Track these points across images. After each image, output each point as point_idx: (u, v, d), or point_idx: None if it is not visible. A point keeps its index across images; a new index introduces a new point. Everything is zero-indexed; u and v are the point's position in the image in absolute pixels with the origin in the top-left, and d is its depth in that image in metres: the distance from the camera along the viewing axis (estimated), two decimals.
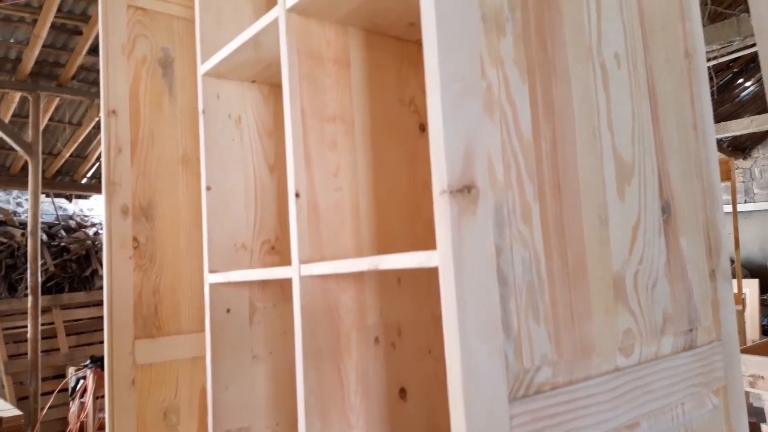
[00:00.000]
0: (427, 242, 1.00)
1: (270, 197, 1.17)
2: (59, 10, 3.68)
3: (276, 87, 1.20)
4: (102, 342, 5.68)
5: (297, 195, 0.84)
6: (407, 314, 0.93)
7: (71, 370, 3.36)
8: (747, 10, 5.74)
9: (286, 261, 1.17)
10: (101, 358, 3.18)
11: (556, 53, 0.72)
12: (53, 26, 3.84)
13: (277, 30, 0.93)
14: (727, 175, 4.84)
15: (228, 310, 1.08)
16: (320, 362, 0.84)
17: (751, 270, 8.09)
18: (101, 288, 5.90)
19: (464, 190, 0.60)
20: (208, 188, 1.09)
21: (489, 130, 0.64)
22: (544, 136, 0.69)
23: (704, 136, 0.95)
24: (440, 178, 0.59)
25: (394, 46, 1.00)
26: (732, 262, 8.00)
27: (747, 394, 2.28)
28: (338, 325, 0.86)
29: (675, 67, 0.91)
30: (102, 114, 1.58)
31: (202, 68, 1.10)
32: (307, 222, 0.84)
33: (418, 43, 1.03)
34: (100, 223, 6.73)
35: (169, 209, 1.66)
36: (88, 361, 3.24)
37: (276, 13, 0.89)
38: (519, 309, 0.62)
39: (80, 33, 3.99)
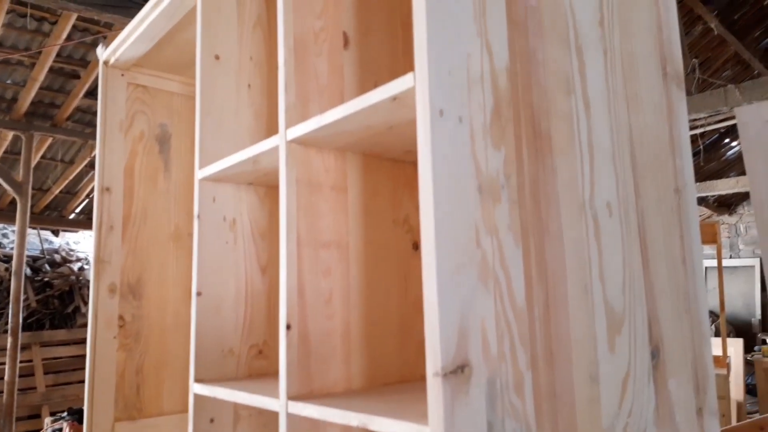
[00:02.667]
0: (418, 364, 1.00)
1: (260, 300, 1.16)
2: (58, 54, 3.71)
3: (272, 188, 1.21)
4: (81, 382, 5.56)
5: (288, 327, 0.84)
6: None
7: (47, 420, 3.27)
8: (734, 81, 5.90)
9: (273, 366, 1.16)
10: (79, 411, 3.10)
11: (550, 213, 0.74)
12: (51, 69, 3.87)
13: (277, 154, 0.94)
14: (713, 237, 4.90)
15: (212, 420, 1.06)
16: None
17: (735, 326, 8.12)
18: (83, 325, 5.80)
19: (458, 371, 0.60)
20: (199, 294, 1.08)
21: (483, 300, 0.64)
22: (536, 300, 0.70)
23: (693, 270, 0.96)
24: (434, 359, 0.59)
25: (390, 167, 1.01)
26: (716, 316, 8.03)
27: None
28: None
29: (665, 206, 0.93)
30: (96, 191, 1.58)
31: (200, 173, 1.11)
32: (297, 355, 0.84)
33: (413, 164, 1.05)
34: (86, 258, 6.65)
35: (158, 285, 1.65)
36: (65, 414, 3.16)
37: (277, 141, 0.90)
38: None
39: (78, 77, 4.01)
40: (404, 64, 1.07)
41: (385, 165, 1.01)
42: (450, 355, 0.59)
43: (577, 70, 0.82)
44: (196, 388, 1.04)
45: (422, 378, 1.00)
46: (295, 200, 0.87)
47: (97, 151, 1.59)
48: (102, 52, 1.61)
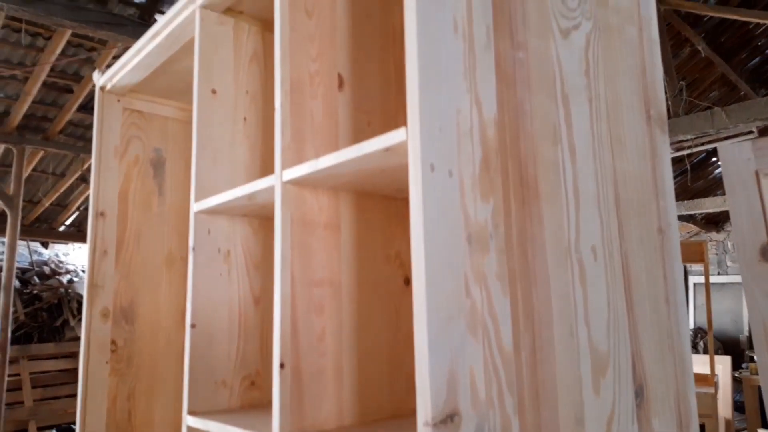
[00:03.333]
0: (408, 399, 1.02)
1: (253, 330, 1.18)
2: (52, 69, 3.72)
3: (265, 220, 1.23)
4: (69, 396, 5.51)
5: (282, 366, 0.86)
6: None
7: None
8: (721, 102, 5.99)
9: (266, 396, 1.17)
10: (68, 428, 3.08)
11: (537, 260, 0.76)
12: (44, 84, 3.87)
13: (272, 191, 0.96)
14: (701, 256, 4.96)
15: None
16: None
17: (723, 342, 8.18)
18: (72, 339, 5.76)
19: (447, 420, 0.62)
20: (193, 326, 1.10)
21: (472, 349, 0.66)
22: (524, 346, 0.72)
23: (676, 308, 0.99)
24: (424, 410, 0.61)
25: (382, 204, 1.04)
26: (704, 333, 8.09)
27: None
28: None
29: (649, 246, 0.96)
30: (90, 216, 1.59)
31: (196, 206, 1.13)
32: (290, 392, 0.86)
33: (405, 200, 1.07)
34: (75, 270, 6.61)
35: (150, 310, 1.66)
36: (54, 431, 3.13)
37: (272, 181, 0.92)
38: None
39: (71, 91, 4.02)
40: (397, 103, 1.10)
41: (377, 202, 1.04)
42: (440, 405, 0.61)
43: (563, 119, 0.85)
44: (190, 421, 1.05)
45: (412, 413, 1.01)
46: (290, 239, 0.90)
47: (92, 176, 1.60)
48: (98, 78, 1.62)
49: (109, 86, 1.60)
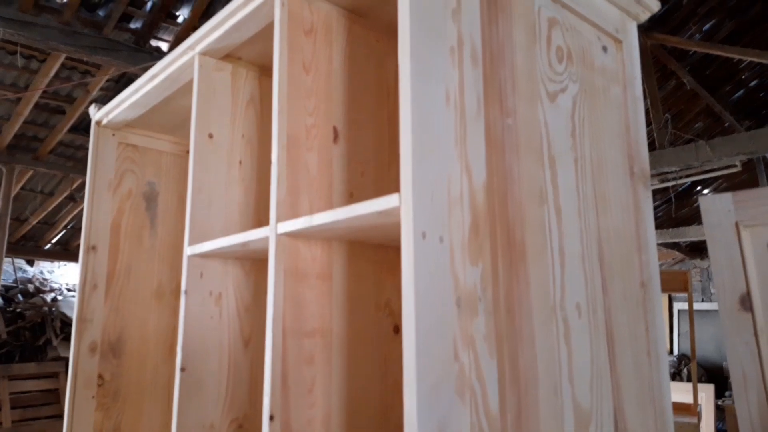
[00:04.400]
0: None
1: (242, 373, 1.19)
2: (44, 91, 3.73)
3: (258, 262, 1.25)
4: (49, 417, 5.42)
5: (271, 418, 0.87)
6: None
7: None
8: (705, 133, 6.12)
9: None
10: None
11: (523, 320, 0.79)
12: (36, 104, 3.88)
13: (267, 242, 0.98)
14: (684, 285, 5.02)
15: None
16: None
17: (707, 369, 8.23)
18: (54, 359, 5.68)
19: None
20: (183, 369, 1.11)
21: (460, 412, 0.68)
22: (509, 406, 0.74)
23: (657, 361, 1.01)
24: None
25: (373, 252, 1.06)
26: (688, 360, 8.14)
27: None
28: None
29: (631, 301, 0.99)
30: (81, 250, 1.60)
31: (189, 249, 1.14)
32: None
33: (396, 249, 1.10)
34: (60, 289, 6.55)
35: (138, 343, 1.66)
36: None
37: (267, 232, 0.94)
38: None
39: (63, 113, 4.03)
40: (389, 154, 1.13)
41: (368, 250, 1.06)
42: None
43: (550, 180, 0.88)
44: None
45: None
46: (282, 291, 0.91)
47: (85, 210, 1.61)
48: (95, 113, 1.64)
49: (105, 121, 1.62)
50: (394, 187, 1.13)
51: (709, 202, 1.31)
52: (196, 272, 1.15)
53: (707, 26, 4.98)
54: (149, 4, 3.30)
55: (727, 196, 1.26)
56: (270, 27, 1.13)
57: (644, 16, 1.15)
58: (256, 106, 1.31)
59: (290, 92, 0.98)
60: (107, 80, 3.69)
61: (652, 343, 1.01)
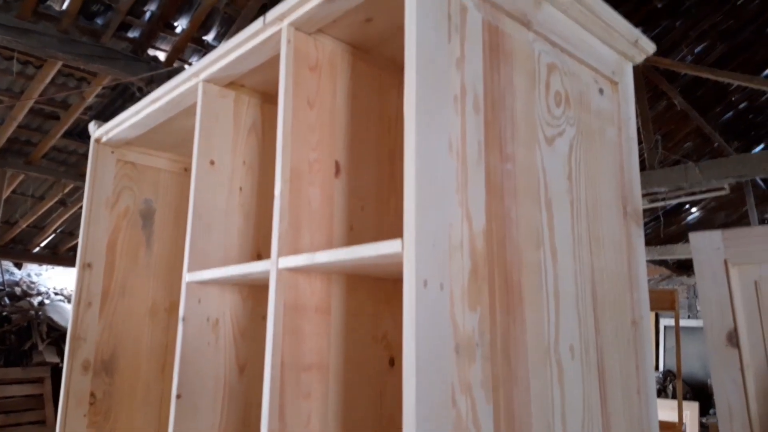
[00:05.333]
0: None
1: (237, 399, 1.20)
2: (40, 95, 3.72)
3: (254, 288, 1.26)
4: (32, 423, 5.36)
5: None
6: None
7: None
8: (695, 152, 6.20)
9: None
10: None
11: (519, 364, 0.81)
12: (31, 109, 3.87)
13: (267, 273, 0.99)
14: (671, 304, 5.08)
15: None
16: None
17: (692, 386, 8.29)
18: (39, 364, 5.63)
19: None
20: (179, 396, 1.11)
21: None
22: None
23: (647, 399, 1.04)
24: None
25: (372, 284, 1.08)
26: (674, 376, 8.20)
27: None
28: None
29: (622, 339, 1.01)
30: (77, 267, 1.60)
31: (188, 276, 1.15)
32: None
33: (395, 281, 1.11)
34: (47, 292, 6.50)
35: (131, 361, 1.66)
36: None
37: (268, 266, 0.96)
38: None
39: (57, 118, 4.02)
40: (389, 188, 1.15)
41: (367, 283, 1.08)
42: None
43: (546, 222, 0.91)
44: None
45: None
46: (282, 324, 0.93)
47: (81, 227, 1.61)
48: (94, 130, 1.65)
49: (104, 139, 1.63)
50: (393, 221, 1.15)
51: (699, 239, 1.34)
52: (195, 298, 1.16)
53: (699, 49, 5.06)
54: (148, 14, 3.31)
55: (716, 234, 1.29)
56: (274, 58, 1.15)
57: (640, 58, 1.18)
58: (258, 132, 1.33)
59: (294, 127, 1.00)
60: (104, 88, 3.69)
61: (642, 382, 1.03)
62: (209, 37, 3.52)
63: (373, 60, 1.16)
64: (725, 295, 1.28)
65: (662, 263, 8.23)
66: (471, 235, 0.78)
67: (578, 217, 0.97)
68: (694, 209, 7.35)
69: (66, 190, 4.91)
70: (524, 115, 0.91)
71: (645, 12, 4.33)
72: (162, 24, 3.30)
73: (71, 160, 4.60)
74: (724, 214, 7.80)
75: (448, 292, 0.73)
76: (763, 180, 6.06)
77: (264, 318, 1.26)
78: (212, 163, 1.23)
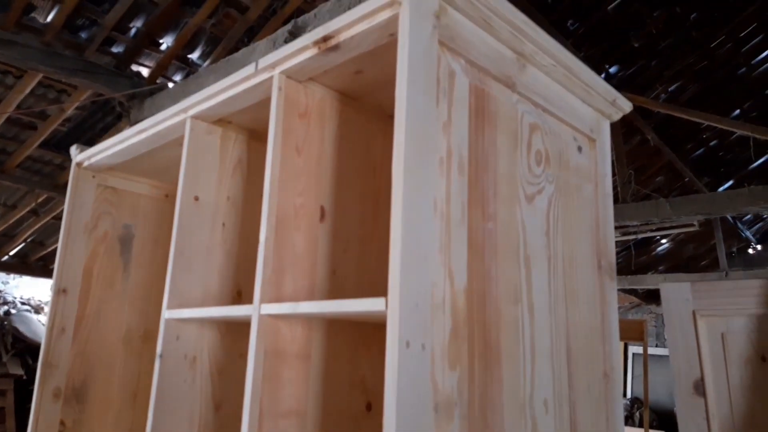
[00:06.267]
0: None
1: None
2: (18, 107, 3.67)
3: (234, 325, 1.26)
4: None
5: None
6: None
7: None
8: (666, 186, 6.36)
9: None
10: None
11: (495, 421, 0.83)
12: (8, 119, 3.81)
13: (248, 317, 1.00)
14: (640, 335, 5.17)
15: None
16: None
17: (659, 414, 8.40)
18: (2, 376, 5.46)
19: None
20: None
21: None
22: None
23: None
24: None
25: (351, 329, 1.09)
26: (641, 403, 8.31)
27: None
28: None
29: (594, 392, 1.04)
30: (52, 292, 1.58)
31: (168, 313, 1.15)
32: None
33: (374, 326, 1.13)
34: (13, 302, 6.34)
35: (102, 388, 1.64)
36: None
37: (250, 311, 0.97)
38: None
39: (35, 128, 3.96)
40: (372, 230, 1.17)
41: (347, 327, 1.09)
42: None
43: (525, 279, 0.94)
44: None
45: None
46: (262, 371, 0.94)
47: (58, 252, 1.60)
48: (76, 154, 1.64)
49: (86, 164, 1.62)
50: (376, 264, 1.17)
51: (669, 290, 1.39)
52: (173, 335, 1.16)
53: (673, 88, 5.22)
54: (133, 30, 3.30)
55: (686, 286, 1.34)
56: (264, 99, 1.16)
57: (617, 116, 1.23)
58: (243, 168, 1.34)
59: (282, 173, 1.01)
60: (84, 99, 3.66)
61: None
62: (194, 56, 3.53)
63: (361, 107, 1.18)
64: (693, 345, 1.33)
65: (632, 292, 8.38)
66: (453, 294, 0.80)
67: (555, 273, 1.00)
68: (663, 240, 7.51)
69: (39, 200, 4.82)
70: (506, 175, 0.94)
71: (622, 51, 4.47)
72: (147, 41, 3.30)
73: (46, 170, 4.53)
74: (693, 247, 7.99)
75: (429, 352, 0.75)
76: (732, 215, 6.23)
77: (241, 356, 1.26)
78: (196, 199, 1.24)
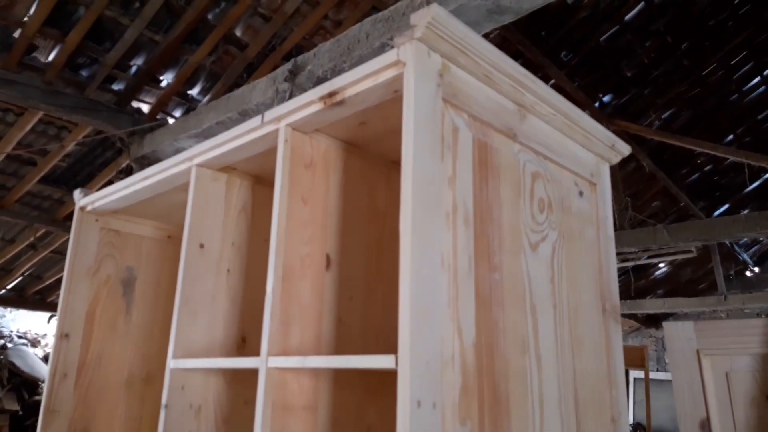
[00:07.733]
0: None
1: None
2: (18, 143, 3.69)
3: (239, 373, 1.26)
4: None
5: None
6: None
7: None
8: (662, 212, 6.39)
9: None
10: None
11: None
12: (7, 155, 3.82)
13: (254, 369, 1.00)
14: (641, 361, 5.14)
15: None
16: None
17: None
18: None
19: None
20: None
21: None
22: None
23: None
24: None
25: (358, 378, 1.09)
26: (643, 428, 8.23)
27: None
28: None
29: None
30: (54, 338, 1.57)
31: (173, 363, 1.15)
32: None
33: (380, 374, 1.13)
34: (9, 336, 6.28)
35: None
36: None
37: (257, 363, 0.97)
38: None
39: (34, 164, 3.98)
40: (377, 276, 1.18)
41: (353, 377, 1.09)
42: None
43: (531, 328, 0.94)
44: None
45: None
46: (270, 425, 0.93)
47: (61, 296, 1.60)
48: (79, 198, 1.65)
49: (89, 208, 1.63)
50: (381, 310, 1.17)
51: (673, 329, 1.39)
52: (178, 385, 1.16)
53: (666, 114, 5.29)
54: (134, 68, 3.34)
55: (689, 325, 1.35)
56: (269, 148, 1.18)
57: (616, 159, 1.25)
58: (248, 213, 1.35)
59: (289, 224, 1.02)
60: (85, 136, 3.68)
61: None
62: (194, 92, 3.56)
63: (365, 154, 1.20)
64: (698, 383, 1.33)
65: (631, 316, 8.36)
66: (462, 349, 0.81)
67: (560, 320, 1.01)
68: (662, 265, 7.52)
69: (38, 234, 4.81)
70: (510, 224, 0.95)
71: (615, 80, 4.53)
72: (148, 78, 3.34)
73: (45, 205, 4.53)
74: (691, 270, 8.00)
75: (440, 410, 0.75)
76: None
77: (246, 403, 1.26)
78: (201, 246, 1.25)
